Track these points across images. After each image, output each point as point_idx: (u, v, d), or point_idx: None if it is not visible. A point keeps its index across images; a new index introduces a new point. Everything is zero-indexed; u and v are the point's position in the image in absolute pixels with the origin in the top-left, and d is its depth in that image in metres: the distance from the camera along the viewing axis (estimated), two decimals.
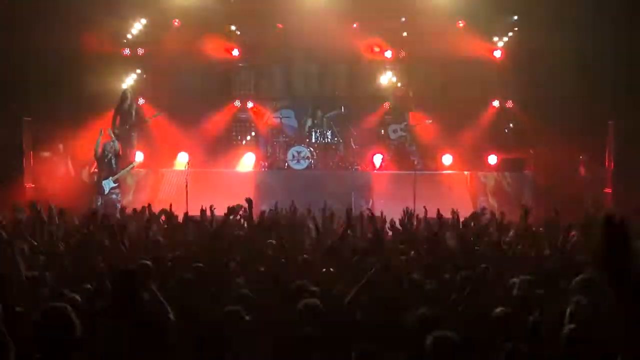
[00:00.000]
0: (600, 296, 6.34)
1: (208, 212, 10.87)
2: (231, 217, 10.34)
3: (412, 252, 8.67)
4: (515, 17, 19.16)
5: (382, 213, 12.13)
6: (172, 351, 4.89)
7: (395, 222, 11.04)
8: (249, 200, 9.77)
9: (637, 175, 16.17)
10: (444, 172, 18.76)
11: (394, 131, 19.57)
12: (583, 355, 5.06)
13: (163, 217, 11.10)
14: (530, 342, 5.24)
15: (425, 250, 8.47)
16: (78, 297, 5.89)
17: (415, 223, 11.41)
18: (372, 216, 10.03)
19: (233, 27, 19.70)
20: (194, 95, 19.43)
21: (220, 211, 11.79)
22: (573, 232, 9.64)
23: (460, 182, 18.39)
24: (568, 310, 5.70)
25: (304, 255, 8.15)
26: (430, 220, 11.39)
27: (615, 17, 16.37)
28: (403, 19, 19.71)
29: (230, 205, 10.21)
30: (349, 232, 9.21)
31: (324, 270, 7.62)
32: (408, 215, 10.92)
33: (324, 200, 13.85)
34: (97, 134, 17.10)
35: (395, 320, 5.58)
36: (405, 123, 19.55)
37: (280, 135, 19.39)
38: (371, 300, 6.00)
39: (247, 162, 19.35)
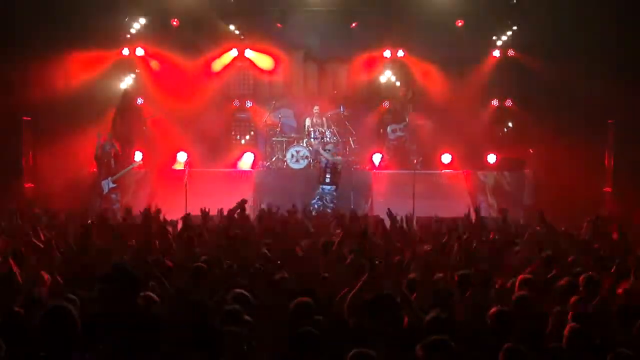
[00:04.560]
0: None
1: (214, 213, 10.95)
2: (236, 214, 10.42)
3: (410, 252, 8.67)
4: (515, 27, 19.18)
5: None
6: (171, 352, 4.88)
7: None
8: (242, 202, 9.88)
9: (636, 174, 16.17)
10: (443, 171, 18.73)
11: (393, 131, 19.52)
12: (584, 354, 5.06)
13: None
14: (530, 342, 5.23)
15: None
16: (76, 298, 5.87)
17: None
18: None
19: (232, 27, 19.66)
20: (192, 94, 19.41)
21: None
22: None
23: (459, 181, 18.37)
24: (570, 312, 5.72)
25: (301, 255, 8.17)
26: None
27: (615, 16, 16.35)
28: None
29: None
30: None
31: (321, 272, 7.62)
32: (392, 217, 10.80)
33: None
34: (96, 136, 17.14)
35: (393, 320, 5.57)
36: (404, 123, 19.49)
37: (279, 134, 19.36)
38: (367, 300, 5.97)
39: (246, 161, 19.33)
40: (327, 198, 16.22)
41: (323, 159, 16.64)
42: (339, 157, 16.88)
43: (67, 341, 4.48)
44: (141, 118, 19.34)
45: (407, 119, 19.48)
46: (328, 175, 16.39)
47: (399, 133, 19.41)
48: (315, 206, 16.06)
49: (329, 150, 16.90)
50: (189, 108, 19.36)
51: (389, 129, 19.55)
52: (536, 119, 18.40)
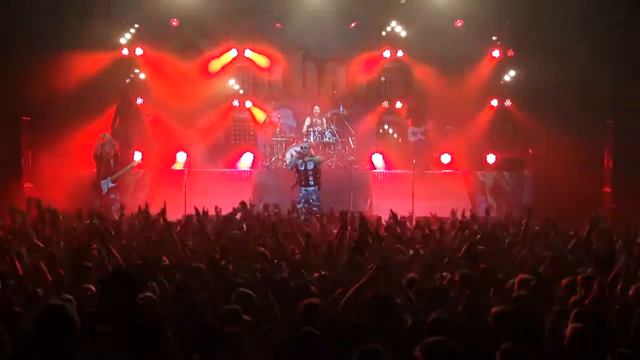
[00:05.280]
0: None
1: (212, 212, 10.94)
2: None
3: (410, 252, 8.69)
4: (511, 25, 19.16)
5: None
6: (171, 352, 4.89)
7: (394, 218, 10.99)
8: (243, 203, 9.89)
9: (636, 174, 16.17)
10: (443, 171, 18.73)
11: (414, 134, 19.29)
12: (584, 354, 5.05)
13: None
14: (529, 341, 5.23)
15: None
16: (73, 299, 5.87)
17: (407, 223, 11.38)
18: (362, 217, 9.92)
19: (231, 27, 19.65)
20: (192, 94, 19.39)
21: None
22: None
23: (459, 182, 18.37)
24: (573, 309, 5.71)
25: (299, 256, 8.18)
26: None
27: (614, 16, 16.36)
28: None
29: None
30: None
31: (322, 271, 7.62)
32: (394, 217, 10.87)
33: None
34: (96, 134, 17.14)
35: (395, 320, 5.57)
36: (425, 127, 19.27)
37: (278, 134, 19.36)
38: (367, 300, 5.98)
39: (245, 161, 19.34)
40: (313, 197, 16.10)
41: (301, 163, 16.34)
42: (319, 157, 16.68)
43: (65, 341, 4.47)
44: (140, 118, 19.32)
45: (427, 123, 19.26)
46: (311, 178, 16.22)
47: (419, 136, 19.16)
48: (303, 210, 15.90)
49: (312, 157, 16.54)
50: (189, 108, 19.36)
51: (409, 131, 19.29)
52: (536, 119, 18.40)
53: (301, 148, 16.25)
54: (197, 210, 10.98)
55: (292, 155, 18.35)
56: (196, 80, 19.56)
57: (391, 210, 10.84)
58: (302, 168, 16.04)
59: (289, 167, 16.26)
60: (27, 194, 16.40)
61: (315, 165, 16.14)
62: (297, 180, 16.07)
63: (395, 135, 20.49)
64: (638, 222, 11.36)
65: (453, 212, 12.13)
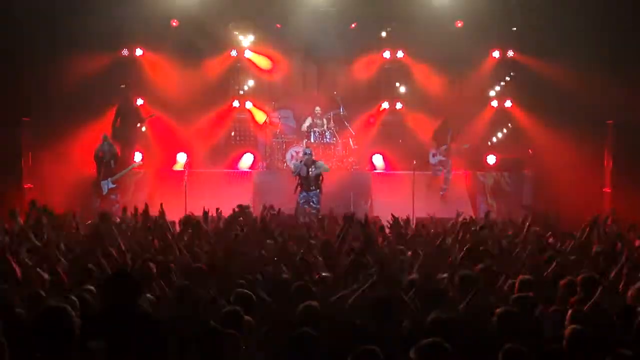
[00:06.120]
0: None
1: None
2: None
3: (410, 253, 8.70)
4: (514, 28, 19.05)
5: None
6: (171, 352, 4.89)
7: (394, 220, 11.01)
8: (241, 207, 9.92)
9: (635, 174, 16.18)
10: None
11: (434, 155, 18.48)
12: (584, 355, 5.06)
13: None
14: (530, 342, 5.23)
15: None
16: (76, 299, 5.87)
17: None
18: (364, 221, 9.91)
19: (231, 27, 19.64)
20: (192, 95, 19.37)
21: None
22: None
23: (459, 182, 18.37)
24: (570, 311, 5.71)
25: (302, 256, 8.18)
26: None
27: (614, 17, 16.37)
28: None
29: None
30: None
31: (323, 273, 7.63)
32: (395, 220, 10.90)
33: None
34: (96, 135, 17.14)
35: (395, 321, 5.58)
36: (445, 147, 18.32)
37: (278, 135, 19.36)
38: (371, 301, 5.98)
39: (245, 162, 19.34)
40: (314, 200, 16.04)
41: (305, 169, 16.19)
42: (326, 166, 16.50)
43: (64, 342, 4.48)
44: (141, 118, 19.30)
45: (448, 141, 18.22)
46: (312, 183, 16.05)
47: (439, 157, 18.26)
48: (302, 209, 15.80)
49: (319, 165, 16.37)
50: (189, 109, 19.32)
51: (430, 154, 18.39)
52: (535, 119, 18.42)
53: (305, 154, 16.18)
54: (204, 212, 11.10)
55: (292, 157, 18.35)
56: (196, 81, 19.52)
57: (392, 215, 10.86)
58: (304, 174, 16.01)
59: (293, 174, 16.18)
60: (28, 195, 16.40)
61: (318, 174, 16.08)
62: (298, 184, 16.05)
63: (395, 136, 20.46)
64: (638, 222, 11.38)
65: (458, 215, 12.10)
